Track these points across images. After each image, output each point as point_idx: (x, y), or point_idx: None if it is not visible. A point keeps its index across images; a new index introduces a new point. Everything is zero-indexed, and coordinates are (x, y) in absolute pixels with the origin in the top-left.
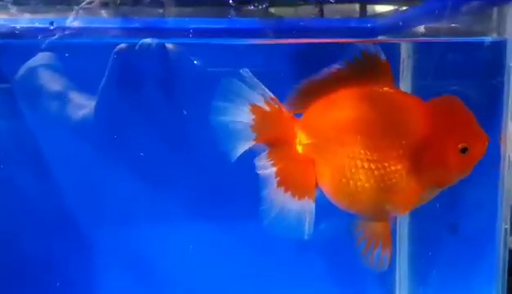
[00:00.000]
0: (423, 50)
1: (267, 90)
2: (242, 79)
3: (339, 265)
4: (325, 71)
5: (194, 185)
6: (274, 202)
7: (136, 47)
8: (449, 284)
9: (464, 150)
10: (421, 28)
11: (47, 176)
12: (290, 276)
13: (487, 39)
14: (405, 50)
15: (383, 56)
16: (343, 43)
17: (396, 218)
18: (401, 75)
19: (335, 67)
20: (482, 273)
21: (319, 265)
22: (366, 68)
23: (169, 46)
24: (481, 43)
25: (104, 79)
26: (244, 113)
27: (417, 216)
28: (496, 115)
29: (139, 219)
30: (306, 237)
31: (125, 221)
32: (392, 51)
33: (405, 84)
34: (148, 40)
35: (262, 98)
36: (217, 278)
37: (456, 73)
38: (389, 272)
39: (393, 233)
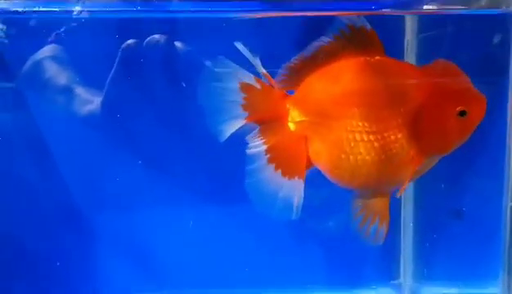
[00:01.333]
0: (428, 29)
1: (259, 65)
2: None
3: (340, 249)
4: (313, 46)
5: (192, 170)
6: (262, 178)
7: (144, 44)
8: (455, 266)
9: (462, 113)
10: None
11: (49, 166)
12: (289, 259)
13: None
14: (410, 30)
15: (368, 26)
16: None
17: (396, 193)
18: (405, 56)
19: (323, 41)
20: (487, 254)
21: (319, 249)
22: (355, 41)
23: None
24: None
25: (112, 72)
26: (234, 92)
27: (422, 199)
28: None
29: (139, 205)
30: (293, 217)
31: (126, 208)
32: (397, 32)
33: None
34: (156, 36)
35: (251, 75)
36: (217, 262)
37: (463, 52)
38: (394, 255)
39: (398, 216)
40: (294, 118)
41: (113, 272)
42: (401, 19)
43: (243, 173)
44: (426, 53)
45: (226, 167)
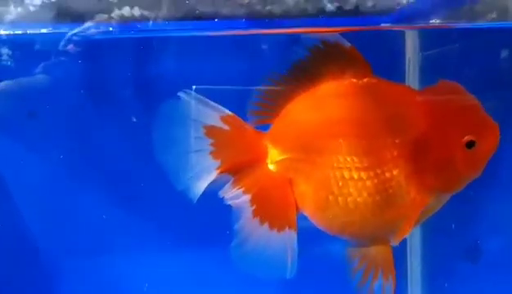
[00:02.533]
0: (429, 46)
1: (220, 106)
2: (188, 96)
3: None
4: (288, 68)
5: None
6: (249, 235)
7: None
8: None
9: (470, 144)
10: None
11: (14, 203)
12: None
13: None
14: (410, 48)
15: (346, 43)
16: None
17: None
18: (407, 76)
19: (298, 58)
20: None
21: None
22: (332, 57)
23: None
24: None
25: None
26: (199, 138)
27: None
28: None
29: (110, 249)
30: (288, 276)
31: (96, 251)
32: (398, 49)
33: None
34: None
35: (217, 116)
36: None
37: (467, 67)
38: None
39: (403, 259)
40: (274, 158)
41: None
42: (402, 36)
43: (219, 214)
44: (429, 71)
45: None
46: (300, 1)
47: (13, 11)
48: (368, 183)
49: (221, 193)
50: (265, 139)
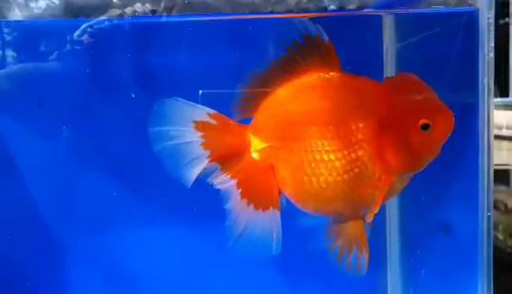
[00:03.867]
0: (405, 36)
1: (206, 107)
2: (177, 100)
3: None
4: (267, 63)
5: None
6: (238, 216)
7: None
8: (437, 282)
9: (425, 127)
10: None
11: (21, 183)
12: (274, 274)
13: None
14: (387, 38)
15: (325, 37)
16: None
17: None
18: (385, 66)
19: (276, 58)
20: (469, 267)
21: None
22: (309, 52)
23: None
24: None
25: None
26: (190, 132)
27: (407, 215)
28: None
29: (114, 225)
30: (274, 252)
31: (100, 230)
32: (376, 40)
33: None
34: None
35: (204, 112)
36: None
37: (440, 58)
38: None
39: (383, 235)
40: (256, 147)
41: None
42: (380, 27)
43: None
44: (405, 60)
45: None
46: (302, 0)
47: (18, 15)
48: (337, 163)
49: (210, 180)
50: (247, 130)
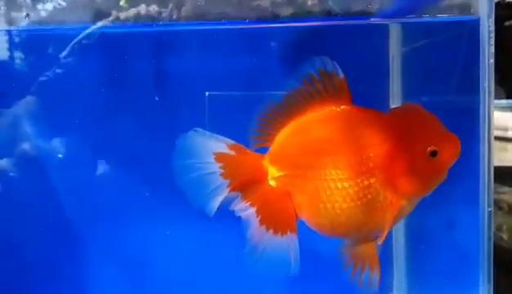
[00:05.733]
0: (410, 43)
1: (225, 138)
2: (197, 133)
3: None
4: (284, 97)
5: None
6: (258, 242)
7: None
8: (444, 277)
9: (433, 154)
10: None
11: (43, 176)
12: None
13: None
14: (393, 45)
15: (340, 74)
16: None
17: (388, 238)
18: (391, 74)
19: (292, 90)
20: (470, 262)
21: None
22: (324, 86)
23: None
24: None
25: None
26: (211, 163)
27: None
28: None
29: (133, 219)
30: (292, 272)
31: (118, 221)
32: (382, 48)
33: (396, 84)
34: None
35: (223, 144)
36: (209, 276)
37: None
38: (387, 268)
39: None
40: (273, 175)
41: (103, 282)
42: (386, 34)
43: None
44: (410, 67)
45: None
46: (307, 4)
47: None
48: (350, 191)
49: (232, 207)
50: (265, 160)
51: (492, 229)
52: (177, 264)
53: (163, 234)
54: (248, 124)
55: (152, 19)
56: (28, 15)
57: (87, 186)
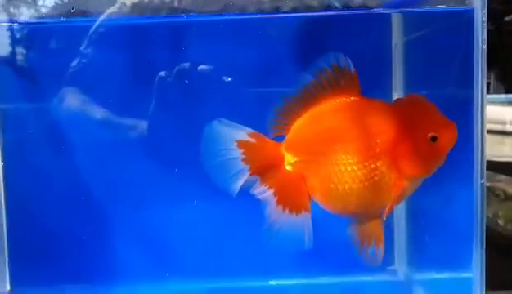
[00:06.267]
0: (412, 32)
1: (247, 127)
2: (221, 122)
3: (336, 237)
4: (299, 90)
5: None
6: (275, 220)
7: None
8: (443, 251)
9: (433, 139)
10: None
11: (68, 160)
12: None
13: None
14: (396, 34)
15: (352, 68)
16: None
17: (392, 213)
18: (393, 59)
19: (307, 84)
20: (467, 237)
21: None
22: (336, 80)
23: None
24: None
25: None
26: (233, 150)
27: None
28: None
29: (151, 199)
30: (306, 247)
31: (138, 201)
32: (385, 36)
33: (398, 72)
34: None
35: (244, 133)
36: (224, 253)
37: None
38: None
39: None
40: (289, 161)
41: (124, 258)
42: (389, 23)
43: None
44: (412, 56)
45: None
46: None
47: (25, 13)
48: (359, 173)
49: (252, 190)
50: (281, 147)
51: (485, 202)
52: (199, 240)
53: (186, 212)
54: (265, 115)
55: (156, 7)
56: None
57: (116, 169)
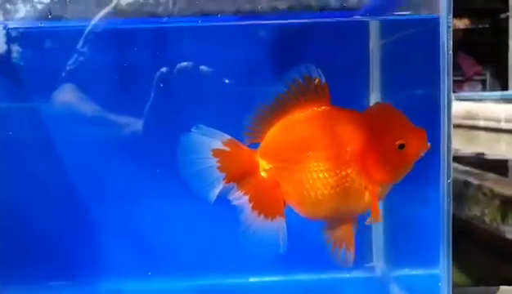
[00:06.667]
0: (388, 36)
1: (223, 134)
2: (198, 131)
3: (316, 236)
4: (273, 100)
5: None
6: (250, 225)
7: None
8: (417, 249)
9: (401, 146)
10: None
11: (53, 159)
12: None
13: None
14: (374, 38)
15: (323, 79)
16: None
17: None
18: (370, 63)
19: (279, 94)
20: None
21: (293, 235)
22: (308, 90)
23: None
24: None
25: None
26: (209, 158)
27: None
28: None
29: (136, 197)
30: (281, 251)
31: (124, 199)
32: (362, 41)
33: (375, 77)
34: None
35: (219, 142)
36: (209, 250)
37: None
38: (366, 241)
39: None
40: (264, 167)
41: (111, 256)
42: (366, 28)
43: None
44: (389, 60)
45: None
46: None
47: (22, 9)
48: (330, 180)
49: (229, 196)
50: (256, 154)
51: (451, 201)
52: (180, 238)
53: (169, 210)
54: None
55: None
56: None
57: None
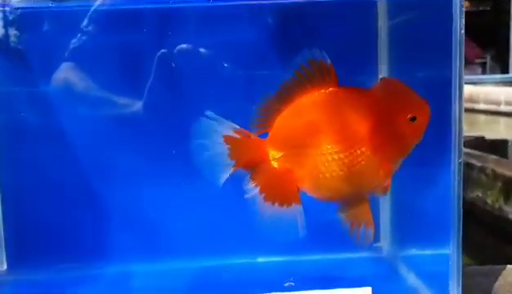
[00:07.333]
0: (397, 15)
1: (233, 123)
2: (210, 118)
3: (323, 216)
4: (278, 88)
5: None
6: (266, 215)
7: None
8: (424, 229)
9: (413, 119)
10: None
11: (62, 147)
12: None
13: None
14: (382, 16)
15: (327, 60)
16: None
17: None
18: (378, 41)
19: (285, 81)
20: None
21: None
22: (313, 74)
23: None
24: None
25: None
26: (220, 144)
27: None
28: None
29: (144, 181)
30: (301, 235)
31: (131, 185)
32: (371, 18)
33: (383, 56)
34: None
35: (231, 129)
36: (214, 232)
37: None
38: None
39: None
40: (275, 156)
41: (118, 238)
42: (374, 6)
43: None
44: (398, 38)
45: None
46: None
47: None
48: (345, 160)
49: (243, 185)
50: (266, 143)
51: (462, 181)
52: (188, 219)
53: (176, 192)
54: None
55: None
56: None
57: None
